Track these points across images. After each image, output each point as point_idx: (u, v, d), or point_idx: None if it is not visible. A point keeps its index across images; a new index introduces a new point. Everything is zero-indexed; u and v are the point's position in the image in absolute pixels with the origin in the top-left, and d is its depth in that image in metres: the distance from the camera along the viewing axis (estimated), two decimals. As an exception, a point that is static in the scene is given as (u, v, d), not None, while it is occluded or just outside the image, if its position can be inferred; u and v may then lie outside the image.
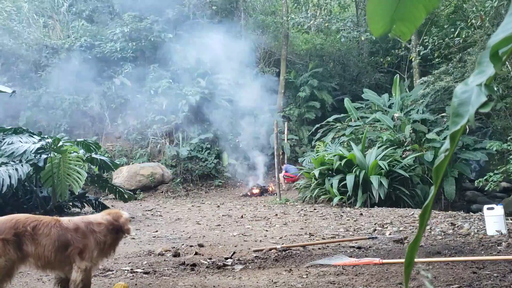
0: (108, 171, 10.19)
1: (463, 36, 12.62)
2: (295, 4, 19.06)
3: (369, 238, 5.45)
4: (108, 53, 15.45)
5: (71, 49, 15.17)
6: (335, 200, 9.69)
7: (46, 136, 8.25)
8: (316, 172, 10.49)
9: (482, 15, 11.52)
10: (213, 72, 16.39)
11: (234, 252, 4.83)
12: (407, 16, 1.35)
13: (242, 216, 8.14)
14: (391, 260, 4.08)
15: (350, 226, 6.66)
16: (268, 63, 18.18)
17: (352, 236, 5.75)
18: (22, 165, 7.13)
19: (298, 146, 16.34)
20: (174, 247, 5.19)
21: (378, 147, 10.92)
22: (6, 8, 15.79)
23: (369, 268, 3.86)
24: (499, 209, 5.39)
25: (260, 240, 5.68)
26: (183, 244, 5.47)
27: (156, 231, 6.61)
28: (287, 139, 15.79)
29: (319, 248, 5.02)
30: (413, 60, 14.93)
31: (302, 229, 6.53)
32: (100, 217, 3.09)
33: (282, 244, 5.20)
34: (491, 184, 10.22)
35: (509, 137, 10.61)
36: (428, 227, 5.91)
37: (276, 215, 8.28)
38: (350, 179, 9.79)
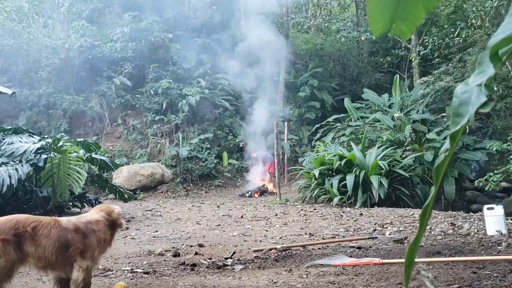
0: (108, 171, 10.19)
1: (463, 36, 12.62)
2: (295, 4, 19.06)
3: (369, 238, 5.46)
4: (108, 53, 15.44)
5: (71, 49, 15.16)
6: (335, 200, 9.69)
7: (46, 136, 8.26)
8: (316, 172, 10.49)
9: (482, 15, 11.53)
10: (213, 72, 16.40)
11: (234, 252, 4.83)
12: (407, 15, 1.35)
13: (242, 216, 8.14)
14: (391, 260, 4.08)
15: (350, 226, 6.66)
16: (268, 63, 18.15)
17: (352, 236, 5.75)
18: (22, 165, 7.12)
19: (298, 146, 16.34)
20: (174, 247, 5.19)
21: (378, 147, 10.92)
22: (6, 8, 15.78)
23: (369, 268, 3.86)
24: (499, 209, 5.39)
25: (260, 240, 5.68)
26: (183, 244, 5.47)
27: (156, 231, 6.61)
28: (287, 139, 15.79)
29: (319, 248, 5.02)
30: (413, 60, 14.93)
31: (302, 229, 6.53)
32: (95, 214, 3.10)
33: (282, 244, 5.20)
34: (491, 184, 10.22)
35: (509, 137, 10.61)
36: (428, 227, 5.91)
37: (276, 215, 8.28)
38: (350, 179, 9.79)
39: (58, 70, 15.41)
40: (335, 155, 10.72)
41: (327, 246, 5.13)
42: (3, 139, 7.55)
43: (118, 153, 14.78)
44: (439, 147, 11.02)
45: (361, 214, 8.10)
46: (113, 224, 3.13)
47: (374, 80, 17.78)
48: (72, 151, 8.03)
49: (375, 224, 6.79)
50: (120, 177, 13.09)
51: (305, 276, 3.72)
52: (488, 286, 3.18)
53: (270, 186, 13.73)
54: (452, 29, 13.63)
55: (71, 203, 8.66)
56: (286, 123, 16.02)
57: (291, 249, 4.94)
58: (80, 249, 2.88)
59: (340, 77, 18.48)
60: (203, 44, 16.99)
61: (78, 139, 8.86)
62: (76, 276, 2.87)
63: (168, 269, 4.15)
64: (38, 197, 8.02)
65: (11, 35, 15.29)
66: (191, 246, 5.32)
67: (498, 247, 4.58)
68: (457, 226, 6.18)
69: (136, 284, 3.61)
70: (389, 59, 16.82)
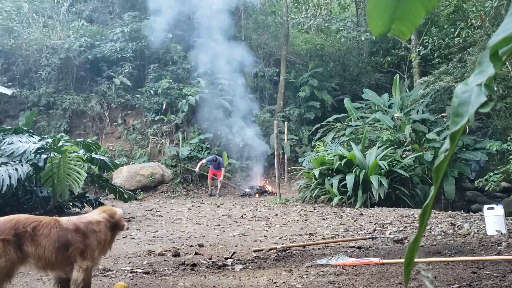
0: (108, 171, 10.18)
1: (463, 36, 12.62)
2: (295, 4, 19.07)
3: (369, 238, 5.46)
4: (108, 53, 15.44)
5: (71, 49, 15.15)
6: (335, 200, 9.69)
7: (46, 136, 8.25)
8: (316, 172, 10.49)
9: (482, 15, 11.52)
10: (213, 72, 16.40)
11: (234, 252, 4.83)
12: (406, 15, 1.35)
13: (242, 216, 8.14)
14: (391, 260, 4.08)
15: (350, 226, 6.66)
16: (268, 63, 18.18)
17: (352, 236, 5.75)
18: (22, 165, 7.12)
19: (298, 146, 16.34)
20: (174, 247, 5.19)
21: (378, 147, 10.92)
22: (6, 8, 15.77)
23: (369, 268, 3.86)
24: (499, 209, 5.39)
25: (260, 240, 5.68)
26: (183, 244, 5.47)
27: (156, 231, 6.60)
28: (287, 139, 15.78)
29: (319, 248, 5.02)
30: (413, 60, 14.93)
31: (302, 229, 6.53)
32: (97, 215, 3.10)
33: (282, 244, 5.20)
34: (491, 184, 10.21)
35: (509, 137, 10.61)
36: (428, 227, 5.91)
37: (276, 215, 8.28)
38: (350, 179, 9.79)
39: (58, 70, 15.40)
40: (335, 155, 10.72)
41: (327, 246, 5.13)
42: (3, 139, 7.55)
43: (118, 153, 14.78)
44: (439, 147, 11.02)
45: (361, 214, 8.10)
46: (114, 226, 3.13)
47: (374, 80, 17.78)
48: (72, 151, 8.03)
49: (375, 224, 6.80)
50: (120, 177, 13.09)
51: (305, 276, 3.71)
52: (488, 286, 3.18)
53: (268, 187, 13.77)
54: (452, 29, 13.63)
55: (71, 203, 8.65)
56: (286, 123, 16.03)
57: (291, 249, 4.94)
58: (80, 249, 2.88)
59: (340, 77, 18.48)
60: (203, 44, 16.98)
61: (78, 139, 8.85)
62: (76, 276, 2.87)
63: (168, 269, 4.14)
64: (38, 197, 8.02)
65: (11, 35, 15.29)
66: (191, 246, 5.32)
67: (498, 247, 4.58)
68: (457, 226, 6.18)
69: (136, 284, 3.61)
70: (389, 59, 16.82)
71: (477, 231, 5.66)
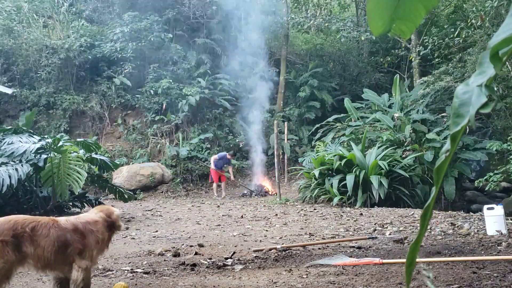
0: (108, 171, 10.18)
1: (463, 36, 12.62)
2: (295, 4, 19.06)
3: (369, 238, 5.45)
4: (108, 53, 15.45)
5: (71, 49, 15.15)
6: (335, 200, 9.69)
7: (46, 136, 8.25)
8: (316, 172, 10.49)
9: (482, 15, 11.52)
10: (213, 72, 16.42)
11: (234, 252, 4.83)
12: (406, 15, 1.35)
13: (242, 216, 8.14)
14: (391, 260, 4.08)
15: (350, 226, 6.66)
16: (268, 63, 18.17)
17: (352, 236, 5.75)
18: (22, 165, 7.12)
19: (298, 146, 16.34)
20: (174, 247, 5.19)
21: (378, 147, 10.92)
22: (6, 8, 15.77)
23: (369, 268, 3.86)
24: (499, 209, 5.39)
25: (260, 240, 5.67)
26: (183, 244, 5.47)
27: (156, 231, 6.60)
28: (287, 139, 15.79)
29: (319, 248, 5.02)
30: (413, 60, 14.93)
31: (302, 229, 6.53)
32: (94, 215, 3.10)
33: (282, 244, 5.20)
34: (491, 184, 10.21)
35: (509, 137, 10.61)
36: (428, 227, 5.90)
37: (276, 215, 8.28)
38: (350, 179, 9.79)
39: (58, 70, 15.41)
40: (335, 155, 10.72)
41: (327, 246, 5.13)
42: (3, 139, 7.55)
43: (118, 153, 14.79)
44: (439, 147, 11.02)
45: (361, 214, 8.09)
46: (111, 226, 3.13)
47: (374, 80, 17.78)
48: (72, 151, 8.03)
49: (375, 224, 6.80)
50: (120, 177, 13.09)
51: (305, 276, 3.71)
52: (488, 286, 3.17)
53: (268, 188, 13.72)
54: (452, 29, 13.63)
55: (71, 203, 8.65)
56: (286, 123, 16.03)
57: (291, 249, 4.94)
58: (79, 249, 2.88)
59: (340, 77, 18.48)
60: (203, 44, 17.00)
61: (78, 139, 8.86)
62: (75, 276, 2.87)
63: (168, 269, 4.14)
64: (38, 197, 8.01)
65: (11, 35, 15.29)
66: (191, 246, 5.32)
67: (498, 247, 4.58)
68: (457, 226, 6.18)
69: (136, 284, 3.60)
70: (389, 59, 16.82)
71: (477, 231, 5.66)
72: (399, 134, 12.00)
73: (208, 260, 4.45)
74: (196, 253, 4.85)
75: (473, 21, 12.32)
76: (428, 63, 15.16)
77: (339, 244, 5.23)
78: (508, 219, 5.96)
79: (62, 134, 11.71)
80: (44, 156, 7.62)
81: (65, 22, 16.43)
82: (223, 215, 8.33)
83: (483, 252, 4.45)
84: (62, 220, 2.97)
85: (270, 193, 13.36)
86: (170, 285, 3.58)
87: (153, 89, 15.36)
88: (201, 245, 5.31)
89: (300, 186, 11.43)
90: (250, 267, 4.20)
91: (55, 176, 7.77)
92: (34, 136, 7.94)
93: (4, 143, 7.35)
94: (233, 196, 13.33)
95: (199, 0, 17.03)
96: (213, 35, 17.30)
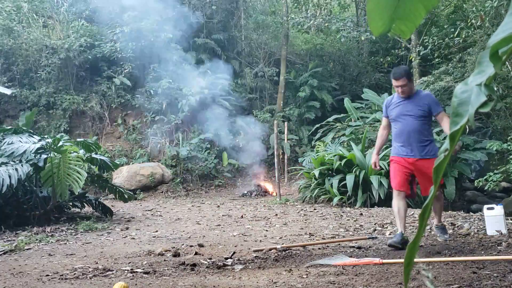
0: (108, 171, 10.17)
1: (463, 36, 12.61)
2: (295, 4, 19.06)
3: (369, 238, 5.46)
4: (108, 53, 15.44)
5: (71, 49, 15.15)
6: (335, 200, 9.69)
7: (46, 136, 8.24)
8: (316, 172, 10.49)
9: (482, 15, 11.52)
10: (213, 72, 16.40)
11: (234, 252, 4.83)
12: (406, 15, 1.35)
13: (242, 216, 8.14)
14: (391, 260, 4.08)
15: (350, 226, 6.66)
16: (268, 63, 18.18)
17: (352, 236, 5.75)
18: (22, 165, 7.11)
19: (298, 146, 16.34)
20: (174, 247, 5.19)
21: (378, 147, 10.90)
22: (6, 8, 15.76)
23: (369, 268, 3.86)
24: (499, 209, 5.39)
25: (260, 240, 5.67)
26: (183, 244, 5.47)
27: (156, 231, 6.60)
28: (287, 139, 15.79)
29: (319, 248, 5.02)
30: (413, 60, 14.92)
31: (302, 229, 6.53)
32: None
33: (282, 244, 5.20)
34: (491, 184, 10.21)
35: (509, 137, 10.61)
36: (428, 227, 5.91)
37: (276, 215, 8.28)
38: (350, 179, 9.79)
39: (58, 70, 15.40)
40: (335, 155, 10.72)
41: (327, 246, 5.13)
42: (3, 139, 7.54)
43: (118, 153, 14.78)
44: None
45: (361, 214, 8.10)
46: None
47: (374, 80, 17.78)
48: (72, 151, 8.02)
49: (375, 224, 6.80)
50: (120, 177, 13.09)
51: (305, 276, 3.71)
52: (488, 286, 3.17)
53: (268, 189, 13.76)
54: (452, 29, 13.62)
55: (71, 203, 8.65)
56: (286, 123, 16.03)
57: (291, 249, 4.94)
58: None
59: (340, 77, 18.47)
60: (203, 44, 16.99)
61: (78, 139, 8.85)
62: None
63: (168, 269, 4.14)
64: (38, 197, 8.01)
65: (11, 35, 15.29)
66: (191, 246, 5.32)
67: (498, 247, 4.58)
68: (457, 226, 6.18)
69: (136, 284, 3.60)
70: (389, 59, 16.81)
71: (477, 231, 5.66)
72: (399, 134, 11.97)
73: (208, 260, 4.45)
74: (196, 253, 4.85)
75: (473, 21, 12.31)
76: (428, 63, 15.15)
77: (339, 244, 5.23)
78: (508, 219, 5.96)
79: (62, 134, 11.71)
80: (44, 156, 7.61)
81: (65, 22, 16.42)
82: (223, 215, 8.33)
83: (483, 252, 4.45)
84: None
85: (270, 193, 13.36)
86: (170, 285, 3.57)
87: (153, 89, 15.36)
88: (201, 245, 5.31)
89: (300, 186, 11.43)
90: (250, 267, 4.20)
91: (55, 176, 7.77)
92: (34, 136, 7.93)
93: (4, 143, 7.34)
94: (233, 196, 13.33)
95: (199, 0, 17.03)
96: (213, 35, 17.31)
